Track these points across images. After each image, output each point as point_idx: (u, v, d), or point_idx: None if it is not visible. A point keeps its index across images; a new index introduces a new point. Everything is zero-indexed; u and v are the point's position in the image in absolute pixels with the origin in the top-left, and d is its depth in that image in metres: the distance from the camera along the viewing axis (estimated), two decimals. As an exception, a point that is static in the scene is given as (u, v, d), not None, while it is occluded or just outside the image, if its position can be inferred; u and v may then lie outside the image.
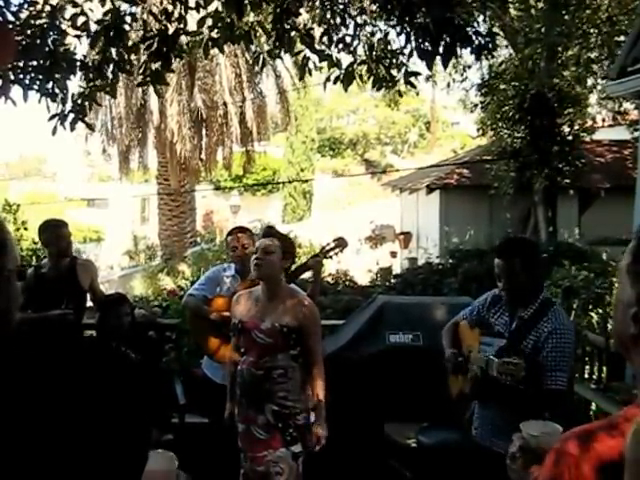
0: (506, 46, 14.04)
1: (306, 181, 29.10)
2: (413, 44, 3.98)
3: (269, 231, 4.25)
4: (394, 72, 4.50)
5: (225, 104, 17.26)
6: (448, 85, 14.86)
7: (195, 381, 5.49)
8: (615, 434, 1.15)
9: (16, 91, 4.91)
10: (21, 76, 4.73)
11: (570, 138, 13.02)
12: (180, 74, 16.92)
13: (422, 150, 37.45)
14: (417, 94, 20.30)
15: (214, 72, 17.15)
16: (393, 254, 18.75)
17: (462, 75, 14.17)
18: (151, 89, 16.62)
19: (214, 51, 16.88)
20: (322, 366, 4.04)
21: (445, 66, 4.09)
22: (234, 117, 17.37)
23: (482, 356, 3.43)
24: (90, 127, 5.24)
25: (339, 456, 5.22)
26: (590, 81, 13.99)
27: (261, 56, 4.98)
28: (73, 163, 38.75)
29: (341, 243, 4.94)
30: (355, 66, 4.56)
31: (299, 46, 4.81)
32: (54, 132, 4.84)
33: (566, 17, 11.74)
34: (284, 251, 4.02)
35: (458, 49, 3.80)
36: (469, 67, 14.10)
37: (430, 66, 4.11)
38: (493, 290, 3.68)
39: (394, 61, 4.43)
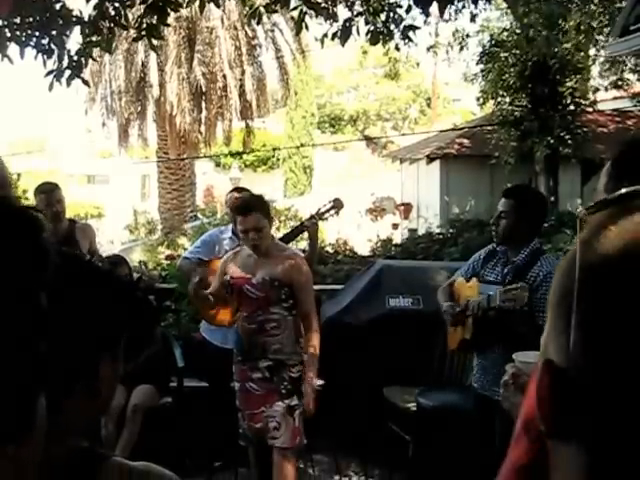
0: (506, 13, 13.86)
1: (305, 146, 28.90)
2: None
3: (248, 202, 4.06)
4: (392, 27, 4.45)
5: (225, 77, 17.12)
6: (447, 53, 14.67)
7: (194, 345, 5.49)
8: None
9: (13, 49, 4.88)
10: (17, 33, 4.68)
11: (572, 107, 12.90)
12: (180, 46, 16.79)
13: (423, 126, 37.09)
14: (417, 65, 20.21)
15: (213, 44, 16.99)
16: (394, 226, 18.69)
17: (460, 44, 13.93)
18: (151, 61, 16.59)
19: (214, 23, 16.58)
20: (316, 318, 4.02)
21: (442, 13, 4.03)
22: (234, 90, 17.24)
23: (482, 297, 3.49)
24: (86, 83, 5.19)
25: (339, 420, 5.23)
26: (592, 51, 13.83)
27: (257, 10, 4.89)
28: (74, 140, 38.60)
29: (337, 204, 4.88)
30: (352, 20, 4.49)
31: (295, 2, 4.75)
32: (50, 88, 4.80)
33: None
34: (266, 213, 3.95)
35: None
36: (468, 36, 13.89)
37: (427, 12, 4.03)
38: (487, 247, 3.76)
39: (391, 14, 4.37)
